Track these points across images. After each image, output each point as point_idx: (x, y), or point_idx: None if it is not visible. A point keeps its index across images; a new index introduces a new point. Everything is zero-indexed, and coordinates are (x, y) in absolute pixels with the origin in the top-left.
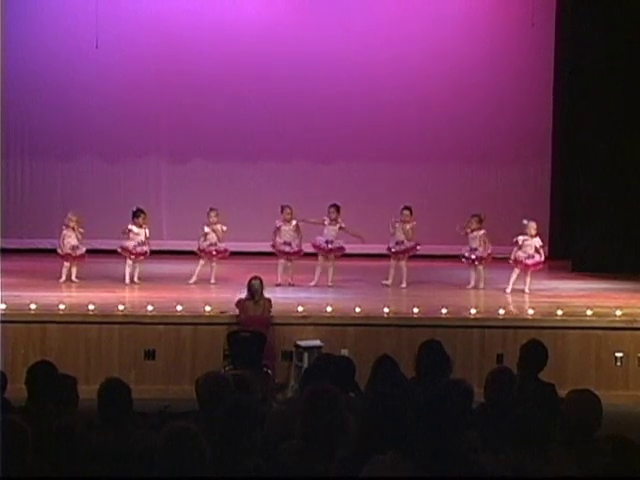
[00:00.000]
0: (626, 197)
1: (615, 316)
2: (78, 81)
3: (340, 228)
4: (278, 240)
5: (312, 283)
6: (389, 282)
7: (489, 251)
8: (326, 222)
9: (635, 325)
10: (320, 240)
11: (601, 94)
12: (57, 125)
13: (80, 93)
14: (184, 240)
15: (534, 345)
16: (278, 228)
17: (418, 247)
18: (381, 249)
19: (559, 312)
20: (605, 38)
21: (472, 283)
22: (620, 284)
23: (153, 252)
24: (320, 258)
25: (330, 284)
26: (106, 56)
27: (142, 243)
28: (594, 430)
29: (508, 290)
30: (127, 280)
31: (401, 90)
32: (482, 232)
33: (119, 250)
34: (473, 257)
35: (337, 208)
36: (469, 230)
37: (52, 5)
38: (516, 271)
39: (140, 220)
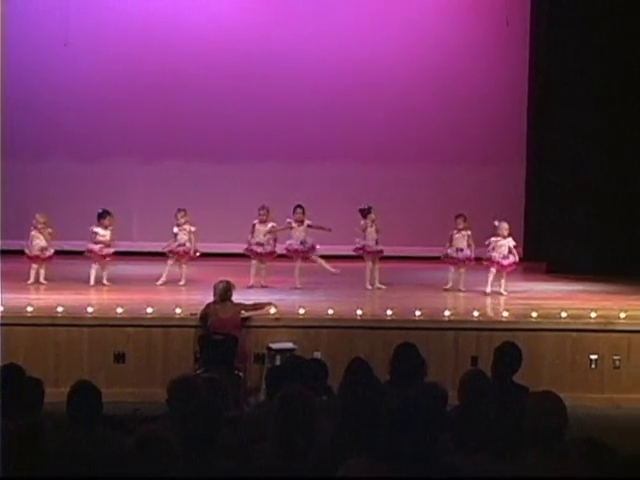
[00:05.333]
0: (602, 198)
1: (590, 318)
2: (48, 80)
3: (308, 226)
4: (251, 240)
5: (297, 285)
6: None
7: (474, 253)
8: (294, 225)
9: (610, 327)
10: (294, 244)
11: (577, 94)
12: (27, 125)
13: (51, 92)
14: (154, 241)
15: (508, 347)
16: (253, 227)
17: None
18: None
19: (534, 314)
20: (580, 37)
21: (450, 283)
22: (595, 286)
23: (123, 253)
24: (298, 261)
25: (333, 270)
26: (77, 54)
27: (108, 245)
28: (561, 430)
29: (488, 290)
30: (92, 282)
31: (375, 90)
32: (469, 232)
33: (86, 253)
34: (460, 257)
35: (302, 208)
36: (455, 231)
37: (20, 1)
38: (492, 271)
39: (106, 221)
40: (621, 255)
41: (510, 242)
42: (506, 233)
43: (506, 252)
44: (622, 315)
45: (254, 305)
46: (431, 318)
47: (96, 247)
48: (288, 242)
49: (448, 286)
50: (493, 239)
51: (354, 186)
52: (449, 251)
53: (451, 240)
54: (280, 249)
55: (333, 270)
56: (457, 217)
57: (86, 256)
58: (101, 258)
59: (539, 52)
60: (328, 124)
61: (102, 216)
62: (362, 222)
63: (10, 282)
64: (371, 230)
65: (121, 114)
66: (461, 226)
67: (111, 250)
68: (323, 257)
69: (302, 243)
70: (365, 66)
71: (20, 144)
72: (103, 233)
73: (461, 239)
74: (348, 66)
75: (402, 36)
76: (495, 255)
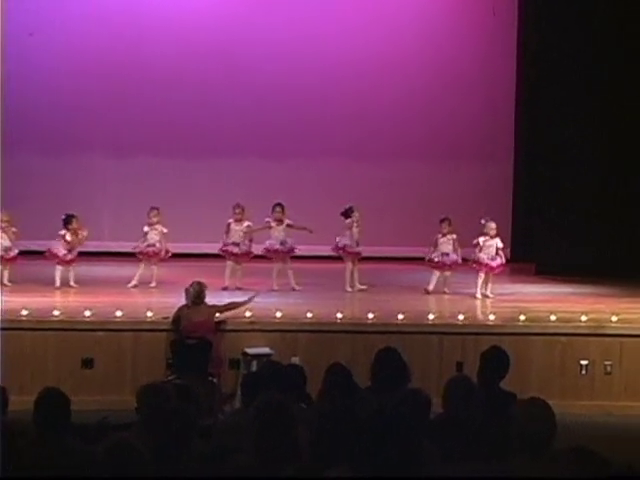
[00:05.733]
0: (595, 196)
1: (580, 322)
2: (12, 72)
3: (288, 226)
4: (226, 240)
5: (274, 287)
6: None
7: (460, 257)
8: (273, 224)
9: (601, 331)
10: (273, 243)
11: (568, 85)
12: None
13: (16, 85)
14: (126, 241)
15: (495, 352)
16: (228, 226)
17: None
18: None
19: (522, 317)
20: (571, 24)
21: (431, 286)
22: (585, 288)
23: (92, 254)
24: (277, 262)
25: (297, 287)
26: (43, 45)
27: (72, 249)
28: (549, 439)
29: (478, 295)
30: (58, 283)
31: (357, 85)
32: (455, 236)
33: (47, 255)
34: (446, 262)
35: (282, 207)
36: (439, 235)
37: None
38: (481, 276)
39: (73, 225)
40: (613, 256)
41: (498, 243)
42: (493, 233)
43: (493, 253)
44: (614, 318)
45: (228, 305)
46: (414, 322)
47: (60, 252)
48: (268, 242)
49: (430, 288)
50: (481, 239)
51: (335, 184)
52: (433, 255)
53: (436, 245)
54: (258, 249)
55: (296, 287)
56: (442, 221)
57: (47, 257)
58: (64, 263)
59: (527, 42)
60: (308, 119)
61: (68, 221)
62: (348, 220)
63: None
64: (355, 230)
65: (91, 108)
66: (446, 230)
67: (75, 254)
68: (302, 258)
69: (282, 243)
70: (347, 60)
71: None
72: (70, 239)
73: (446, 243)
74: (330, 60)
75: (386, 28)
76: (483, 257)
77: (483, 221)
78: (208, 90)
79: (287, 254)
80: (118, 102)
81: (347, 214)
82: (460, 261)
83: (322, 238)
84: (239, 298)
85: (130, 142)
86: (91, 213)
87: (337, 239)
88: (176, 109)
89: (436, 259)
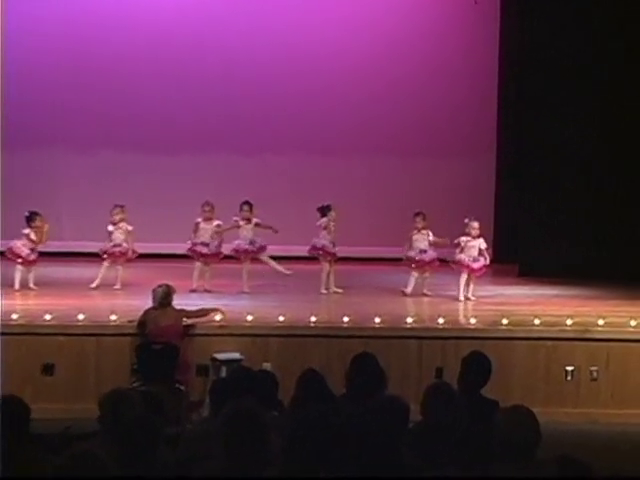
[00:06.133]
0: (580, 194)
1: (565, 325)
2: None
3: (256, 225)
4: (195, 240)
5: (245, 289)
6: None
7: (436, 253)
8: (241, 224)
9: (587, 336)
10: (242, 244)
11: (549, 80)
12: None
13: None
14: (88, 241)
15: (476, 358)
16: (197, 225)
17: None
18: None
19: (504, 321)
20: (554, 18)
21: (410, 288)
22: (571, 290)
23: (52, 254)
24: (246, 262)
25: (288, 272)
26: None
27: (35, 249)
28: (533, 448)
29: (461, 297)
30: (17, 286)
31: (333, 77)
32: (429, 231)
33: (7, 254)
34: (425, 259)
35: (250, 205)
36: (414, 231)
37: None
38: (464, 275)
39: (37, 223)
40: (599, 257)
41: (481, 244)
42: (476, 233)
43: (476, 254)
44: (600, 322)
45: (198, 311)
46: (392, 325)
47: (24, 252)
48: (236, 242)
49: (408, 290)
50: (463, 238)
51: (308, 181)
52: (411, 253)
53: (410, 241)
54: (227, 249)
55: (287, 272)
56: (416, 215)
57: (8, 257)
58: (27, 263)
59: (510, 33)
60: (281, 113)
61: (31, 219)
62: (324, 219)
63: None
64: (332, 229)
65: (49, 98)
66: (420, 225)
67: (37, 253)
68: (274, 258)
69: (251, 243)
70: (322, 51)
71: None
72: (35, 237)
73: (422, 239)
74: (304, 51)
75: (363, 19)
76: (464, 257)
77: (466, 220)
78: (175, 82)
79: (257, 253)
80: (81, 96)
81: (323, 212)
82: (436, 257)
83: (295, 238)
84: (208, 303)
85: (91, 135)
86: (51, 211)
87: (314, 240)
88: (141, 101)
89: (416, 257)
